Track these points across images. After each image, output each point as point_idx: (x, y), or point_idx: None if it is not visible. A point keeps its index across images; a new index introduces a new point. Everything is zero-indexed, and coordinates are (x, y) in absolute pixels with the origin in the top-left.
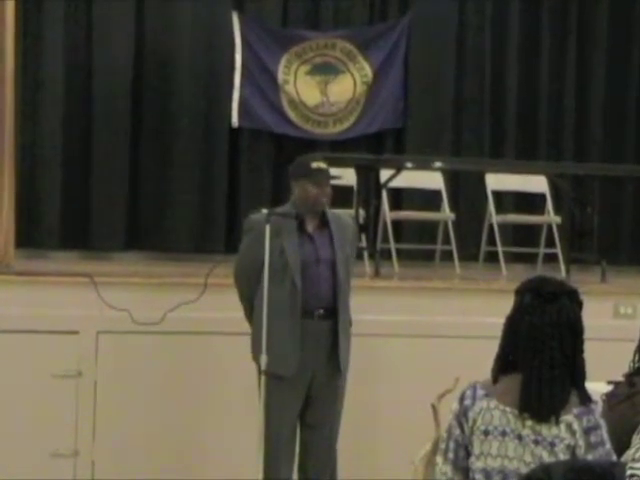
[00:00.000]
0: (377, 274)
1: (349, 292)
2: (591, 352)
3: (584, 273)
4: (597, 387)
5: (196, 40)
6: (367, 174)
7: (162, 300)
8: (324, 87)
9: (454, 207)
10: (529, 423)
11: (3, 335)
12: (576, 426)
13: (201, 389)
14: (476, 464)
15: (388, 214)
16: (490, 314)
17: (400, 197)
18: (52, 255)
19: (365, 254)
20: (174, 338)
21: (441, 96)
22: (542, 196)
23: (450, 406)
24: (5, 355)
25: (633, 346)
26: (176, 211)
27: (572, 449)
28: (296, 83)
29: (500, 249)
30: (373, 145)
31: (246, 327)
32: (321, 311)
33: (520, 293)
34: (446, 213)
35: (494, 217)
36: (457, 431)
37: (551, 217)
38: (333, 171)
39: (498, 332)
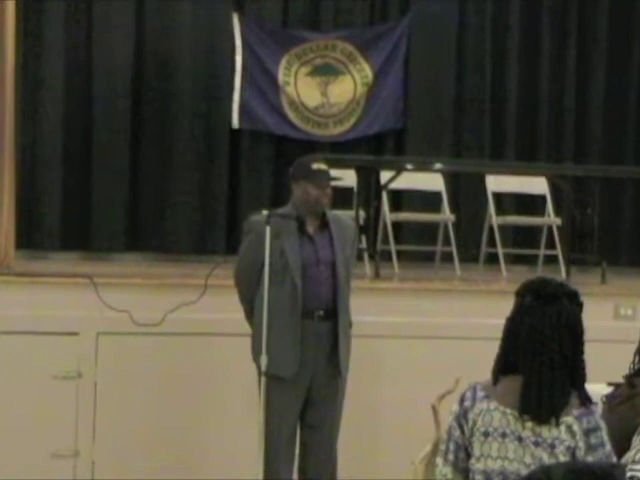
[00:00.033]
0: (377, 275)
1: (349, 293)
2: (591, 353)
3: (584, 274)
4: (597, 389)
5: (196, 41)
6: (367, 175)
7: (162, 301)
8: (324, 88)
9: (454, 208)
10: (529, 425)
11: (4, 336)
12: (576, 428)
13: (201, 390)
14: (476, 465)
15: (388, 215)
16: (490, 315)
17: (400, 198)
18: (52, 256)
19: (365, 255)
20: (174, 339)
21: (441, 97)
22: (542, 197)
23: (450, 407)
24: (6, 356)
25: (633, 347)
26: (176, 212)
27: (572, 451)
28: (296, 84)
29: (500, 251)
30: (373, 146)
31: (246, 328)
32: (321, 312)
33: (520, 294)
34: (446, 214)
35: (494, 218)
36: (457, 432)
37: (551, 218)
38: (333, 172)
39: (498, 333)
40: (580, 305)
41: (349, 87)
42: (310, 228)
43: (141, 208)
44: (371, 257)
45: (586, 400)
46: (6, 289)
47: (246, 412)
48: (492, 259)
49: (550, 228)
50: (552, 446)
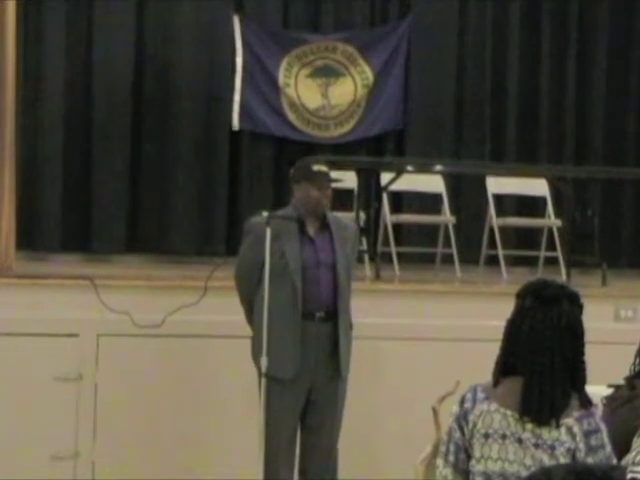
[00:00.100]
0: (378, 277)
1: (350, 295)
2: (592, 355)
3: (585, 276)
4: (597, 390)
5: (197, 43)
6: (368, 177)
7: (162, 303)
8: (325, 90)
9: (455, 210)
10: (529, 426)
11: (4, 338)
12: (576, 429)
13: (201, 392)
14: (476, 467)
15: (389, 217)
16: (491, 317)
17: (401, 200)
18: (53, 258)
19: (366, 257)
20: (174, 341)
21: (442, 99)
22: (543, 199)
23: (451, 409)
24: (6, 358)
25: (633, 349)
26: (177, 214)
27: (572, 452)
28: (297, 86)
29: (501, 252)
30: (374, 148)
31: (246, 330)
32: (321, 314)
33: (521, 296)
34: (447, 216)
35: (495, 220)
36: (457, 434)
37: (552, 220)
38: (334, 174)
39: (499, 335)
40: (580, 307)
41: (349, 89)
42: (310, 230)
43: (141, 209)
44: (371, 259)
45: (586, 402)
46: (6, 291)
47: (246, 414)
48: (492, 261)
49: (550, 230)
50: (552, 448)
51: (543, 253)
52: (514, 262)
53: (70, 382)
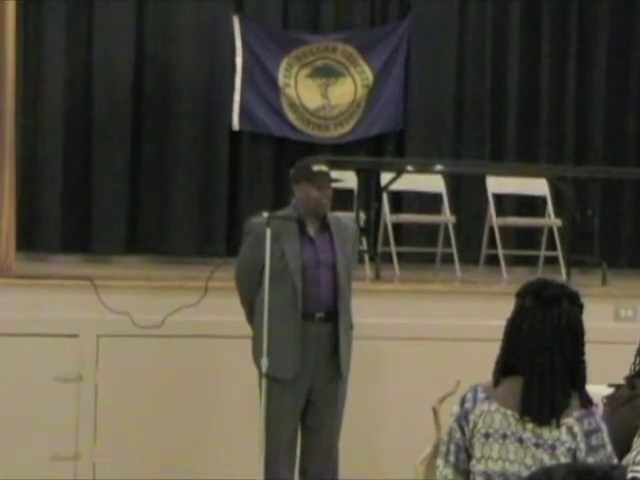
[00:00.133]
0: (378, 277)
1: (350, 295)
2: (592, 355)
3: (585, 276)
4: (598, 390)
5: (197, 43)
6: (368, 177)
7: (163, 303)
8: (325, 90)
9: (455, 210)
10: (530, 426)
11: (4, 338)
12: (577, 429)
13: (202, 392)
14: (477, 467)
15: (389, 217)
16: (491, 317)
17: (401, 200)
18: (53, 258)
19: (366, 257)
20: (175, 341)
21: (441, 99)
22: (543, 199)
23: (451, 409)
24: (6, 358)
25: (634, 349)
26: (177, 214)
27: (573, 452)
28: (297, 86)
29: (501, 252)
30: (374, 148)
31: (247, 330)
32: (322, 314)
33: (521, 296)
34: (447, 216)
35: (495, 220)
36: (458, 434)
37: (552, 220)
38: (334, 174)
39: (499, 335)
40: (581, 306)
41: (349, 89)
42: (311, 230)
43: (141, 210)
44: (372, 259)
45: (587, 401)
46: (6, 291)
47: (247, 414)
48: (493, 260)
49: (551, 229)
50: (553, 447)
51: (543, 253)
52: (514, 262)
53: (70, 383)
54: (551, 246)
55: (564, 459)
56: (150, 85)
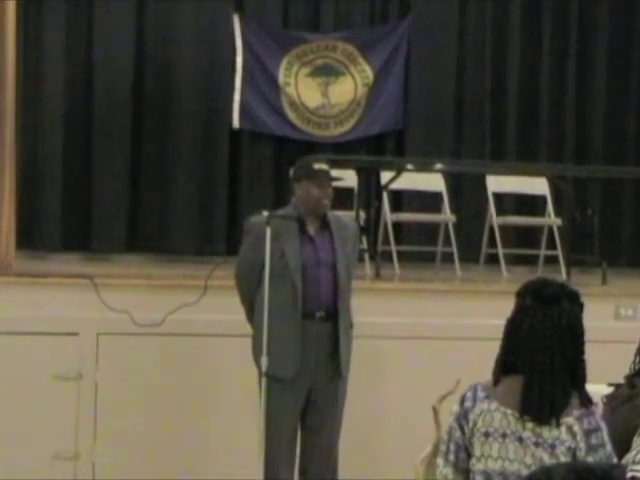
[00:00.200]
0: (378, 276)
1: (350, 294)
2: (592, 354)
3: (585, 275)
4: (598, 389)
5: (197, 42)
6: (368, 176)
7: (163, 302)
8: (325, 89)
9: (455, 209)
10: (530, 425)
11: (4, 336)
12: (577, 428)
13: (201, 391)
14: (477, 466)
15: (389, 216)
16: (491, 316)
17: (401, 199)
18: (53, 257)
19: (366, 256)
20: (174, 340)
21: (442, 98)
22: (543, 198)
23: (451, 408)
24: (6, 357)
25: (634, 348)
26: (177, 213)
27: (573, 451)
28: (297, 85)
29: (501, 251)
30: (374, 147)
31: (246, 329)
32: (322, 313)
33: (521, 295)
34: (447, 215)
35: (495, 219)
36: (458, 433)
37: (552, 219)
38: (334, 173)
39: (499, 334)
40: (581, 306)
41: (350, 88)
42: (311, 229)
43: (141, 208)
44: (372, 258)
45: (587, 401)
46: (6, 289)
47: (246, 413)
48: (492, 259)
49: (551, 228)
50: (552, 447)
51: (543, 252)
52: (514, 261)
53: (70, 381)
54: (551, 245)
55: (564, 458)
56: (150, 85)
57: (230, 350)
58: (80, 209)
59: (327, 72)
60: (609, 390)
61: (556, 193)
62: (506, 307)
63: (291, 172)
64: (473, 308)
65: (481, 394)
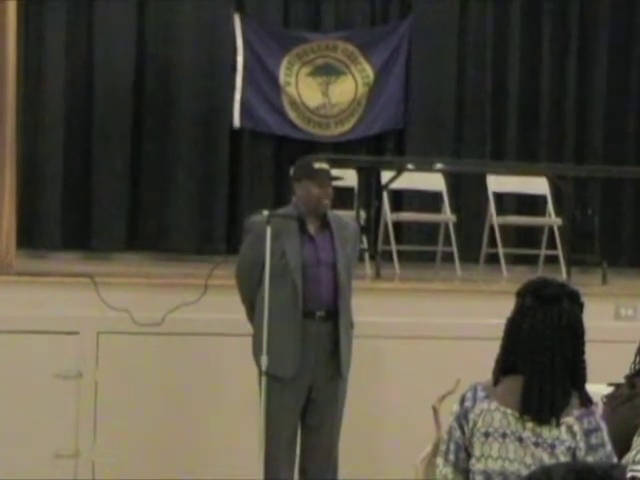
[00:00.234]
0: (378, 276)
1: (350, 294)
2: (592, 354)
3: (585, 275)
4: (598, 389)
5: (197, 41)
6: (368, 175)
7: (163, 301)
8: (325, 88)
9: (455, 209)
10: (530, 425)
11: (4, 335)
12: (577, 428)
13: (201, 390)
14: (476, 466)
15: (389, 215)
16: (491, 316)
17: (401, 198)
18: (53, 256)
19: (366, 256)
20: (174, 339)
21: (442, 97)
22: (543, 198)
23: (451, 408)
24: (6, 355)
25: (634, 348)
26: (177, 212)
27: (573, 451)
28: (297, 84)
29: (501, 251)
30: (374, 146)
31: (247, 328)
32: (322, 313)
33: (521, 295)
34: (447, 215)
35: (495, 219)
36: (458, 433)
37: (552, 219)
38: (334, 172)
39: (499, 334)
40: (581, 305)
41: (350, 87)
42: (311, 228)
43: (141, 208)
44: (372, 257)
45: (587, 400)
46: (7, 288)
47: (246, 413)
48: (493, 259)
49: (551, 228)
50: (552, 446)
51: (543, 252)
52: (514, 260)
53: (70, 380)
54: (551, 245)
55: (564, 458)
56: (151, 85)
57: (230, 349)
58: (80, 208)
59: (328, 72)
60: (609, 390)
61: (556, 193)
62: (506, 307)
63: (291, 171)
64: (473, 308)
65: (481, 394)
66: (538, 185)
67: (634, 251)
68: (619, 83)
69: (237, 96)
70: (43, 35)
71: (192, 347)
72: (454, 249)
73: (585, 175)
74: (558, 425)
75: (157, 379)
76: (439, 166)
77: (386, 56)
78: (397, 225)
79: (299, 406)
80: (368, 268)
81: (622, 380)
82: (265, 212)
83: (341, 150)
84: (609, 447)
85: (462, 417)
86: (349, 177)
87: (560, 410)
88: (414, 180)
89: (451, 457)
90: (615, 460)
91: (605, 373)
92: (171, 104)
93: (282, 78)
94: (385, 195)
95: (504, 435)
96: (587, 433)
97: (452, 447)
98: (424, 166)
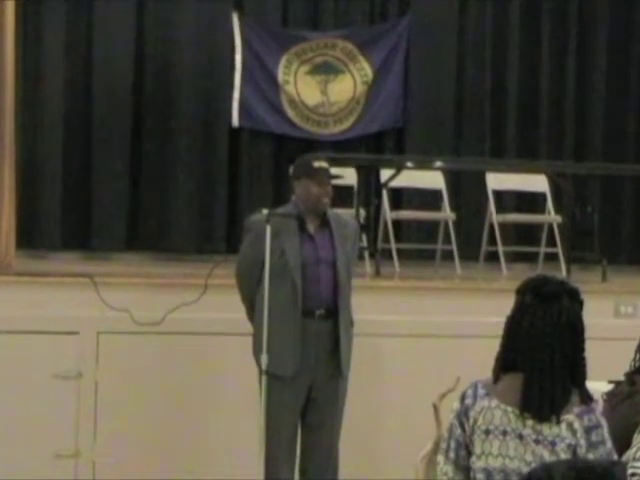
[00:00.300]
0: (378, 274)
1: (350, 292)
2: (592, 351)
3: (585, 272)
4: (598, 386)
5: (196, 40)
6: (367, 174)
7: (162, 301)
8: (324, 87)
9: (455, 206)
10: (530, 422)
11: (4, 336)
12: (577, 425)
13: (201, 389)
14: (477, 463)
15: (389, 214)
16: (491, 314)
17: (400, 197)
18: (53, 256)
19: (366, 254)
20: (175, 338)
21: (441, 95)
22: (543, 195)
23: (451, 405)
24: (6, 356)
25: (634, 345)
26: (177, 212)
27: (573, 448)
28: (296, 83)
29: (501, 248)
30: (373, 145)
31: (246, 328)
32: (322, 311)
33: (521, 293)
34: (447, 213)
35: (495, 216)
36: (458, 430)
37: (552, 216)
38: (334, 171)
39: (499, 332)
40: (581, 303)
41: (349, 86)
42: (310, 227)
43: (141, 208)
44: (371, 255)
45: (587, 398)
46: (7, 288)
47: (246, 412)
48: (492, 257)
49: (550, 226)
50: (553, 444)
51: (543, 249)
52: (514, 258)
53: (70, 380)
54: (551, 243)
55: (564, 455)
56: (150, 84)
57: (230, 349)
58: (80, 208)
59: (326, 70)
60: (609, 387)
61: (556, 190)
62: (506, 305)
63: (291, 170)
64: (473, 306)
65: (481, 391)
66: (538, 183)
67: (634, 248)
68: (618, 81)
69: (236, 95)
70: (42, 35)
71: (192, 347)
72: (454, 247)
73: (584, 173)
74: (558, 422)
75: (157, 379)
76: (439, 164)
77: (385, 54)
78: (397, 223)
79: (299, 405)
80: (368, 266)
81: (622, 377)
82: (265, 211)
83: (340, 148)
84: (609, 444)
85: (463, 415)
86: (348, 175)
87: (560, 407)
88: (414, 178)
89: (452, 455)
90: (615, 457)
91: (605, 370)
92: (170, 104)
93: (281, 77)
94: (385, 193)
95: (504, 432)
96: (587, 430)
97: (453, 445)
98: (423, 164)
